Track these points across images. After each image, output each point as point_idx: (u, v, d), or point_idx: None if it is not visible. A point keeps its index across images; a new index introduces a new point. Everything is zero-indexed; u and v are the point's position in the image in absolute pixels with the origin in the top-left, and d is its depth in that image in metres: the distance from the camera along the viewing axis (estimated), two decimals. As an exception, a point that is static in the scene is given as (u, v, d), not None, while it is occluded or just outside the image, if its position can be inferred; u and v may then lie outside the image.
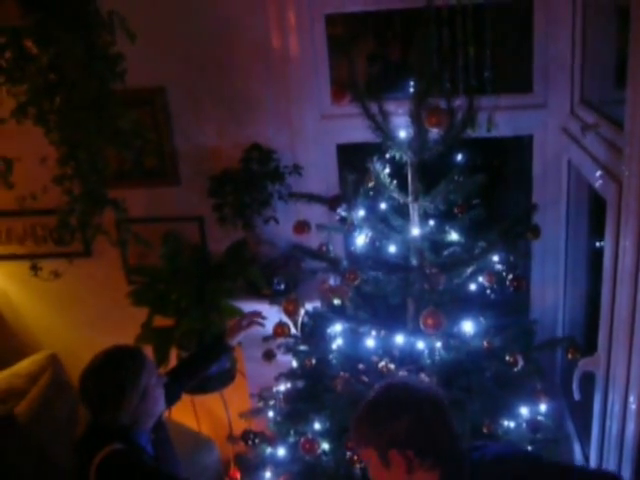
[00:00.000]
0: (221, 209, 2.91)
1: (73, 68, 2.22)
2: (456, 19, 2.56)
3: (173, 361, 3.07)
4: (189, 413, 3.40)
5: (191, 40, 2.94)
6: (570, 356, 2.33)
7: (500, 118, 2.64)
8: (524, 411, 2.33)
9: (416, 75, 2.11)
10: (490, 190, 2.38)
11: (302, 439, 2.33)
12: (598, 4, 2.59)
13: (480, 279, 2.28)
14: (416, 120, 2.08)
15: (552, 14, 2.75)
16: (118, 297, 3.14)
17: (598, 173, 2.32)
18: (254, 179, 2.88)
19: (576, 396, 2.30)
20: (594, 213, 2.83)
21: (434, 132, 2.09)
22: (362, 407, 1.73)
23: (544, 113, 2.89)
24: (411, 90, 2.12)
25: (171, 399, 2.40)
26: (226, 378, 3.15)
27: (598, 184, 2.33)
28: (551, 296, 3.12)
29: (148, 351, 2.98)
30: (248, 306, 2.99)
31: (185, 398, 3.21)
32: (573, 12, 2.70)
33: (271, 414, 2.61)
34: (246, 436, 2.62)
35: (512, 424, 2.32)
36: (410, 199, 2.22)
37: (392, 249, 2.29)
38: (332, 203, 2.38)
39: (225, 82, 3.00)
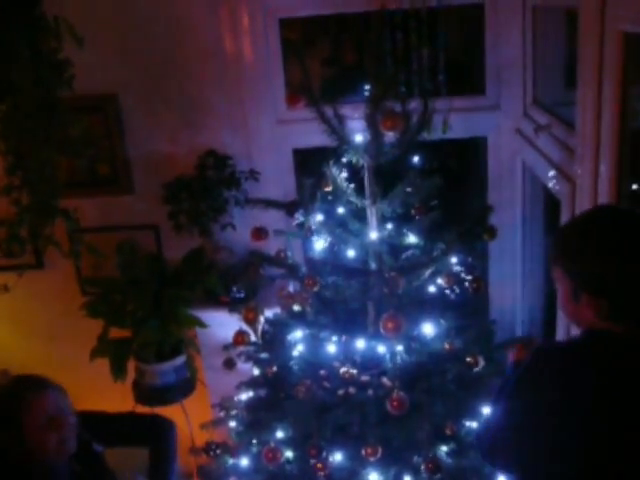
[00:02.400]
0: (177, 217, 2.87)
1: (18, 75, 2.16)
2: (409, 23, 2.57)
3: (131, 374, 3.02)
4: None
5: (143, 46, 2.90)
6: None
7: (455, 120, 2.66)
8: (486, 411, 2.34)
9: (371, 79, 2.11)
10: (447, 192, 2.39)
11: (265, 448, 2.30)
12: (547, 8, 2.62)
13: (439, 281, 2.28)
14: (372, 124, 2.08)
15: (502, 18, 2.79)
16: (72, 309, 3.06)
17: (551, 173, 2.35)
18: (210, 185, 2.84)
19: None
20: (549, 212, 2.87)
21: (390, 135, 2.09)
22: (577, 226, 1.54)
23: (497, 115, 2.92)
24: (366, 94, 2.11)
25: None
26: (186, 388, 3.10)
27: (552, 184, 2.36)
28: (509, 296, 3.15)
29: (105, 364, 2.94)
30: (207, 314, 2.96)
31: (145, 410, 3.16)
32: (523, 16, 2.74)
33: (233, 424, 2.58)
34: (208, 447, 2.59)
35: (474, 424, 2.33)
36: (368, 203, 2.21)
37: (351, 253, 2.28)
38: (289, 208, 2.36)
39: (178, 88, 2.96)
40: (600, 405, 1.43)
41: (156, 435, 2.49)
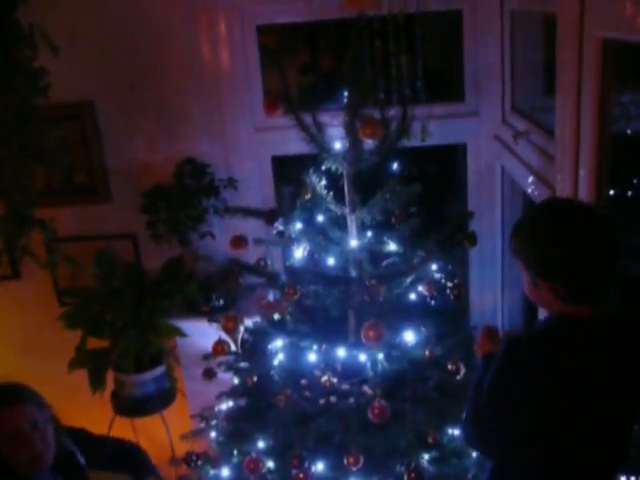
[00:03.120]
0: (155, 226, 2.84)
1: (-8, 83, 2.13)
2: (388, 29, 2.57)
3: (110, 385, 2.98)
4: (129, 436, 3.28)
5: (120, 53, 2.87)
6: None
7: (434, 127, 2.66)
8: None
9: (349, 86, 2.10)
10: (426, 199, 2.39)
11: (246, 458, 2.28)
12: (525, 15, 2.64)
13: (420, 288, 2.28)
14: (351, 131, 2.07)
15: (481, 25, 2.80)
16: (50, 320, 3.01)
17: (531, 179, 2.36)
18: (188, 194, 2.82)
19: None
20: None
21: (369, 143, 2.08)
22: (526, 219, 1.68)
23: (477, 121, 2.93)
24: (345, 101, 2.11)
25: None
26: (166, 399, 3.07)
27: (531, 190, 2.36)
28: (489, 302, 3.16)
29: (83, 375, 2.90)
30: (187, 324, 2.93)
31: (124, 421, 3.13)
32: (501, 23, 2.75)
33: (213, 434, 2.55)
34: (189, 458, 2.56)
35: (457, 432, 2.32)
36: (347, 210, 2.21)
37: (331, 261, 2.28)
38: (268, 217, 2.34)
39: (156, 95, 2.93)
40: (567, 385, 1.58)
41: (135, 465, 2.46)
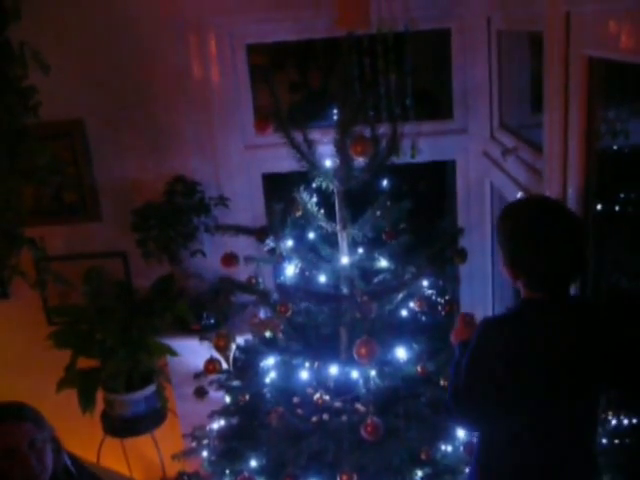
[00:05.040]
0: (145, 244, 2.84)
1: (-19, 103, 2.13)
2: (377, 48, 2.60)
3: (100, 405, 2.96)
4: (119, 457, 3.26)
5: (110, 72, 2.88)
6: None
7: (423, 144, 2.68)
8: (460, 434, 2.34)
9: (339, 104, 2.11)
10: (417, 215, 2.40)
11: (238, 478, 2.27)
12: (512, 33, 2.67)
13: (411, 305, 2.28)
14: (341, 149, 2.08)
15: (469, 43, 2.83)
16: (39, 340, 2.99)
17: (519, 195, 2.37)
18: (179, 212, 2.82)
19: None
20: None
21: (359, 160, 2.09)
22: (505, 211, 1.83)
23: (465, 138, 2.95)
24: (335, 118, 2.12)
25: None
26: (157, 418, 3.05)
27: (520, 206, 2.38)
28: (480, 317, 3.15)
29: (73, 395, 2.87)
30: (178, 342, 2.92)
31: (115, 441, 3.10)
32: (489, 41, 2.78)
33: (205, 454, 2.53)
34: (180, 478, 2.54)
35: (449, 448, 2.32)
36: (338, 227, 2.21)
37: (322, 279, 2.28)
38: (259, 234, 2.34)
39: (146, 114, 2.94)
40: (526, 364, 1.72)
41: None
